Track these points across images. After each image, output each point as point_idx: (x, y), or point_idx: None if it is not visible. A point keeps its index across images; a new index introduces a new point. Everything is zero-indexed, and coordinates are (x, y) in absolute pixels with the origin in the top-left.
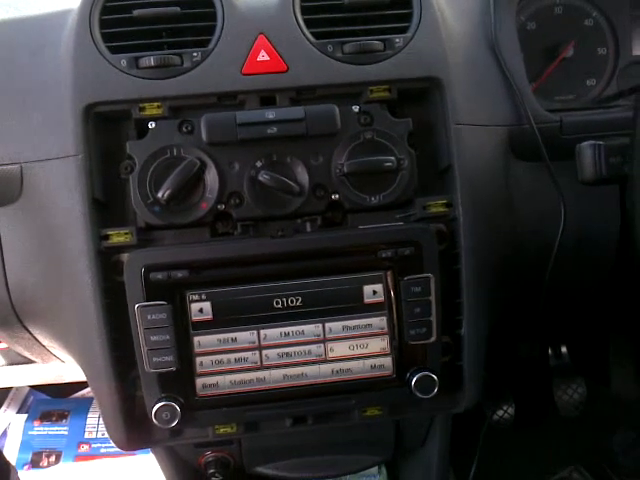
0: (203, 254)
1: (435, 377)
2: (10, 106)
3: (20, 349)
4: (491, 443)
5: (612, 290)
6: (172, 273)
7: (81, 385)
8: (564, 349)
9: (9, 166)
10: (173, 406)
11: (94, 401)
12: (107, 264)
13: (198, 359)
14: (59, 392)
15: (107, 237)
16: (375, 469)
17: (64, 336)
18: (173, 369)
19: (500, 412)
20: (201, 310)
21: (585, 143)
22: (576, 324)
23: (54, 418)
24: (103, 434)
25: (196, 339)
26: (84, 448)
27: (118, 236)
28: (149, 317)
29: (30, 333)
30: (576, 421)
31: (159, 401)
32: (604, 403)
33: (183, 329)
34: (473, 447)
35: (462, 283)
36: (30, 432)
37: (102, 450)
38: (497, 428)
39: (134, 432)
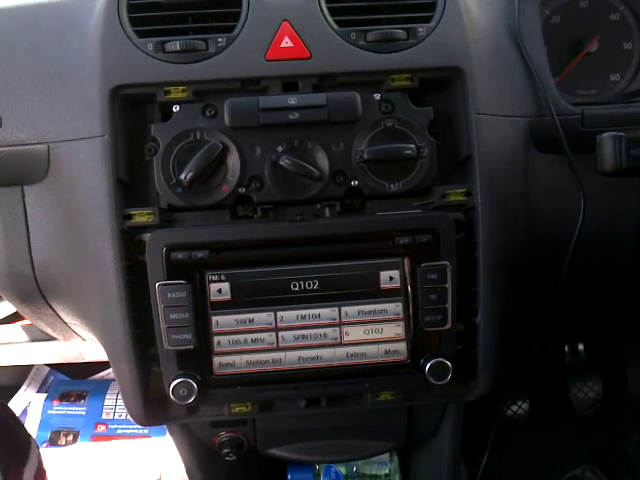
0: (223, 235)
1: (449, 363)
2: (38, 87)
3: (42, 325)
4: (503, 438)
5: (629, 287)
6: (193, 253)
7: (99, 366)
8: (581, 346)
9: (37, 145)
10: (190, 383)
11: (112, 383)
12: (129, 243)
13: (216, 338)
14: (78, 373)
15: (130, 217)
16: (386, 456)
17: (86, 313)
18: (191, 347)
19: (514, 407)
20: (220, 290)
21: (606, 134)
22: (593, 322)
23: (73, 398)
24: (120, 415)
25: (214, 319)
26: (101, 428)
27: (141, 216)
28: (169, 295)
29: (53, 310)
30: (590, 419)
31: (176, 378)
32: (619, 402)
33: (202, 308)
34: (485, 441)
35: (479, 272)
36: (49, 411)
37: (119, 431)
38: (510, 423)
39: (152, 408)
